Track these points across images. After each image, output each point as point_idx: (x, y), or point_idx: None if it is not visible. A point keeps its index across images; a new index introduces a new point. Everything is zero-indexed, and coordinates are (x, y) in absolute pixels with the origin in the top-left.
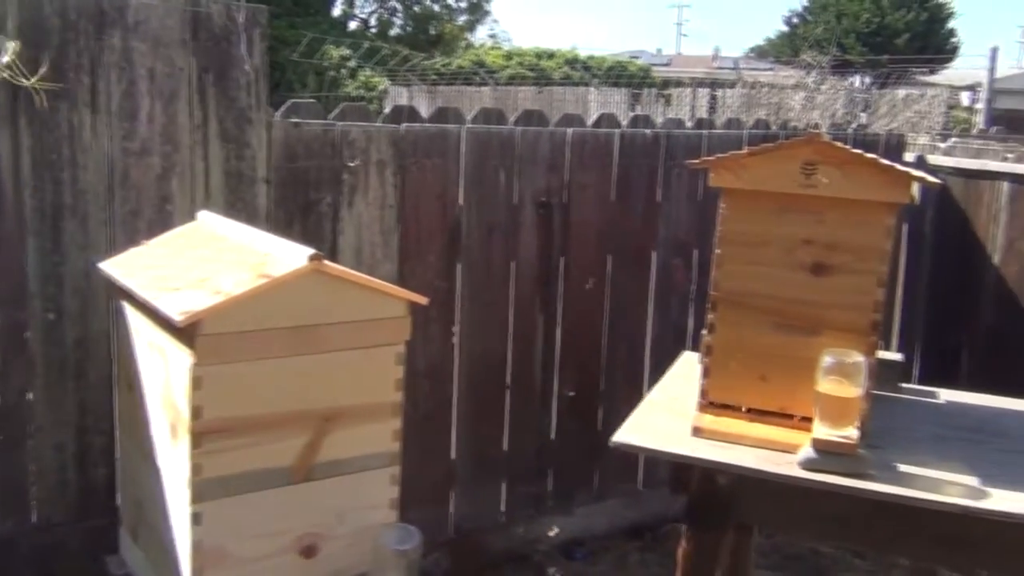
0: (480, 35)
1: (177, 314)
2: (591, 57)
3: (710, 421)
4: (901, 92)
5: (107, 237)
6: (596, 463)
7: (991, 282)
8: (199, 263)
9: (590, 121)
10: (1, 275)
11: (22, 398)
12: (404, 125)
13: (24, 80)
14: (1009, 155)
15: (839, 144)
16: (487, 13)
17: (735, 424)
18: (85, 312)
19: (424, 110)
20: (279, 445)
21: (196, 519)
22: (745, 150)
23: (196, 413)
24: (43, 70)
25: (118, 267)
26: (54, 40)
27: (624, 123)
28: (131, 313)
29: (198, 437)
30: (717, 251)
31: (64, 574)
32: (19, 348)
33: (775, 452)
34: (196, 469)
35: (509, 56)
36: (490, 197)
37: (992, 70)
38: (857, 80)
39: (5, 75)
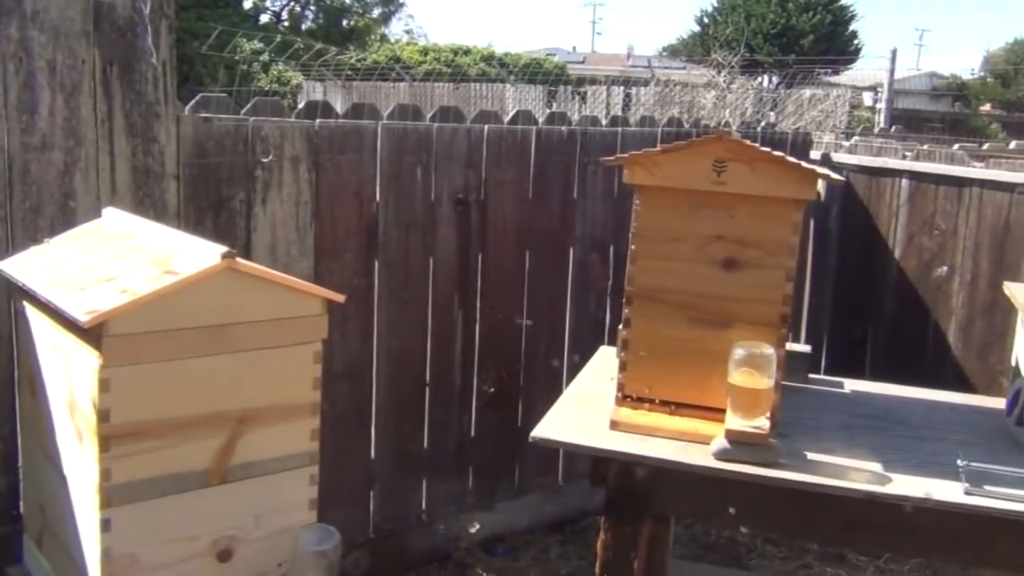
0: (396, 30)
1: (82, 314)
2: (507, 54)
3: (627, 414)
4: (807, 92)
5: (6, 235)
6: (516, 459)
7: (892, 276)
8: (105, 262)
9: (507, 118)
10: None
11: None
12: (318, 121)
13: None
14: (908, 153)
15: (748, 142)
16: (402, 5)
17: (651, 417)
18: None
19: (339, 106)
20: (192, 447)
21: (105, 526)
22: (658, 147)
23: (104, 416)
24: None
25: (18, 266)
26: None
27: (541, 120)
28: (33, 314)
29: (106, 441)
30: (632, 247)
31: None
32: None
33: (690, 443)
34: (105, 474)
35: (425, 52)
36: (407, 194)
37: (892, 71)
38: (765, 80)
39: None
